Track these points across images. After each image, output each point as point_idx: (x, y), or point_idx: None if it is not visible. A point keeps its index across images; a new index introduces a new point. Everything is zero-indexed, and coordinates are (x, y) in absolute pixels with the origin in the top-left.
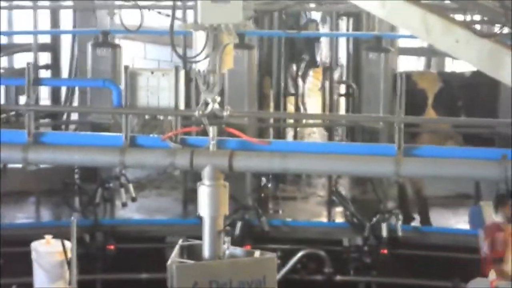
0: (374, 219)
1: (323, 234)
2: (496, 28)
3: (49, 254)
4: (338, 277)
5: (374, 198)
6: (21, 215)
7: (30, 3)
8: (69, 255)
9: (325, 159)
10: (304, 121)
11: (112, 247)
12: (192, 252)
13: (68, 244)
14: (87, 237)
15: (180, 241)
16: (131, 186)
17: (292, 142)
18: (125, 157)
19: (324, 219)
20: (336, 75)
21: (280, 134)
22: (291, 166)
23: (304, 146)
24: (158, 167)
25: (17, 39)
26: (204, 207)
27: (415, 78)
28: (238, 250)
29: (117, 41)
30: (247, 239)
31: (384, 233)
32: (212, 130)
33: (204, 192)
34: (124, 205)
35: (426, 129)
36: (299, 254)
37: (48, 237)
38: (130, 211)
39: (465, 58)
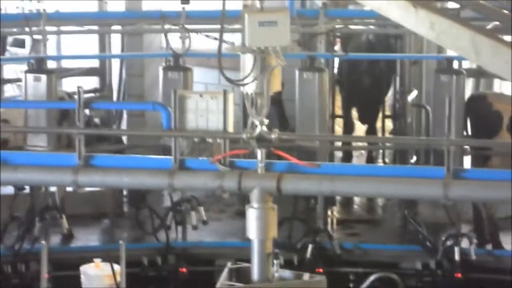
0: (448, 242)
1: (395, 258)
2: None
3: (98, 278)
4: None
5: (446, 220)
6: (93, 237)
7: (78, 28)
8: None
9: (374, 181)
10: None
11: (184, 270)
12: (241, 275)
13: (117, 267)
14: (159, 260)
15: (229, 264)
16: (202, 209)
17: (342, 165)
18: (174, 180)
19: (395, 242)
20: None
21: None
22: (340, 188)
23: (353, 169)
24: (207, 189)
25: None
26: (252, 230)
27: (491, 100)
28: (287, 273)
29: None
30: (319, 263)
31: (457, 256)
32: (260, 153)
33: (252, 215)
34: (195, 228)
35: (497, 152)
36: (372, 278)
37: (97, 260)
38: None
39: None
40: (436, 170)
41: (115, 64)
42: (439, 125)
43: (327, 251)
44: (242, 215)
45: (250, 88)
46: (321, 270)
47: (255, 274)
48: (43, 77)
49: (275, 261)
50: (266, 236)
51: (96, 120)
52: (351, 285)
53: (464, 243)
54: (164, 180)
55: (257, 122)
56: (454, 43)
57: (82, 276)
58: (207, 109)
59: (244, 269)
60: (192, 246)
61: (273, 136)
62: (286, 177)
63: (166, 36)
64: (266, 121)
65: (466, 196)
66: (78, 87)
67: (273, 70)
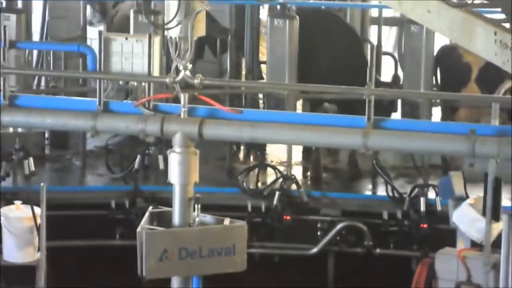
0: (413, 193)
1: (363, 207)
2: None
3: (18, 220)
4: (378, 251)
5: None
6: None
7: None
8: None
9: (294, 129)
10: None
11: None
12: (162, 219)
13: (38, 210)
14: (127, 203)
15: (150, 208)
16: None
17: (264, 111)
18: (97, 122)
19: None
20: None
21: None
22: (260, 135)
23: (275, 116)
24: (129, 133)
25: None
26: (174, 175)
27: (462, 52)
28: (208, 218)
29: None
30: (286, 210)
31: (423, 207)
32: (183, 97)
33: (174, 159)
34: (162, 171)
35: (464, 104)
36: (339, 226)
37: (18, 202)
38: None
39: (436, 28)
40: (358, 119)
41: (38, 5)
42: (408, 74)
43: (294, 199)
44: None
45: (174, 32)
46: (288, 217)
47: (176, 219)
48: (13, 16)
49: (196, 206)
50: (188, 180)
51: None
52: (318, 233)
53: (431, 194)
54: (87, 122)
55: (180, 67)
56: None
57: (1, 218)
58: (132, 52)
59: (165, 213)
60: (160, 190)
61: (196, 81)
62: (208, 122)
63: None
64: (190, 66)
65: (385, 146)
66: (3, 27)
67: (197, 15)
